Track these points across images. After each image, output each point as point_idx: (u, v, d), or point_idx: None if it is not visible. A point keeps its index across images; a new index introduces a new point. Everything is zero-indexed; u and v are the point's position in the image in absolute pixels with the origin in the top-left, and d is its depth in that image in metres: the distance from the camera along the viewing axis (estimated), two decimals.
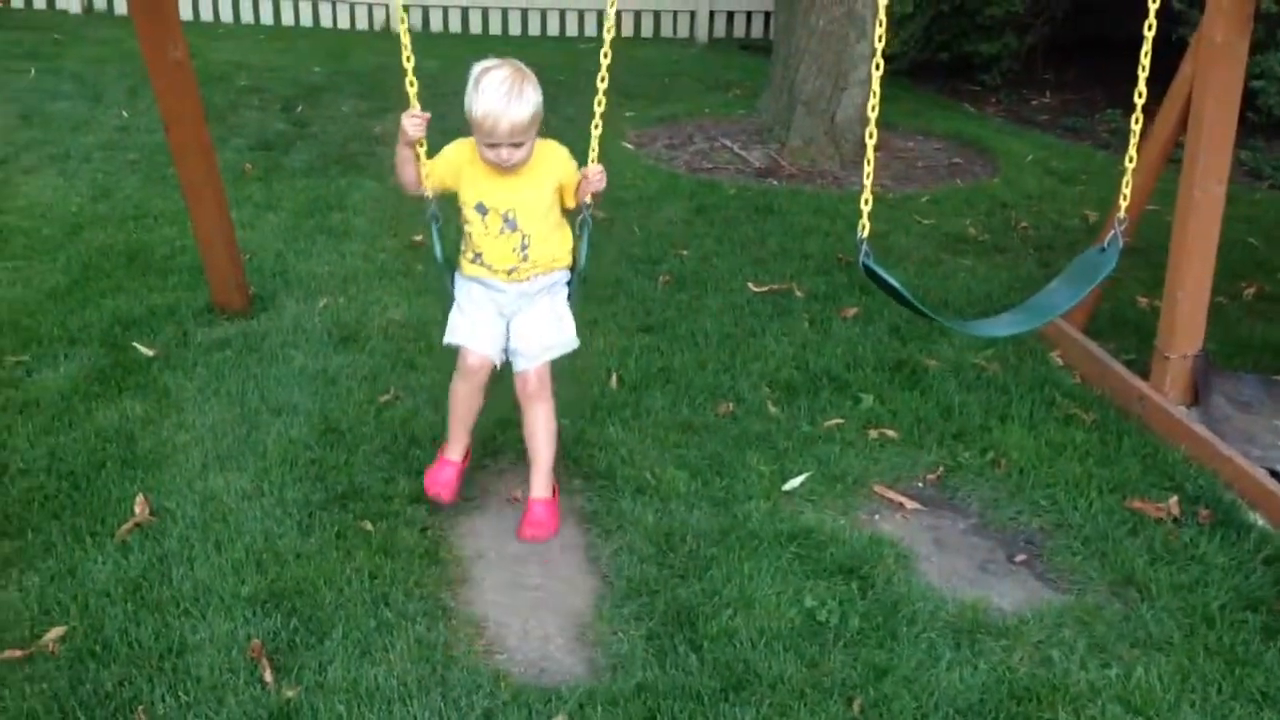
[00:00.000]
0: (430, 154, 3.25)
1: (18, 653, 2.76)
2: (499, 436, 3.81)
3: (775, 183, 7.05)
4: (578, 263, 3.35)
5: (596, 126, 3.29)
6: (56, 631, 2.83)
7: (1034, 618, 3.06)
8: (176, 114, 4.27)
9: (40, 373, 4.12)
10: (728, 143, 7.80)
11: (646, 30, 11.93)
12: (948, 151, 7.97)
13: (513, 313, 3.32)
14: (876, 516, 3.55)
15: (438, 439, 3.71)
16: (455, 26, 11.83)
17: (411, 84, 3.19)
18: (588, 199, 3.27)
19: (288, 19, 11.72)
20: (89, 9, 11.50)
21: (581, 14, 11.86)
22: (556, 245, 3.31)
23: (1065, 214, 6.59)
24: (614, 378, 4.24)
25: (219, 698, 2.66)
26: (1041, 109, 9.51)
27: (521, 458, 3.68)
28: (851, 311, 4.94)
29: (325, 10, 11.72)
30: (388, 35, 11.41)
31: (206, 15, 11.59)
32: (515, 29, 11.87)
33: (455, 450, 3.44)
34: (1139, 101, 3.34)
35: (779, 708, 2.70)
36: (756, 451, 3.81)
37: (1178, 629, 3.03)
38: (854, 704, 2.72)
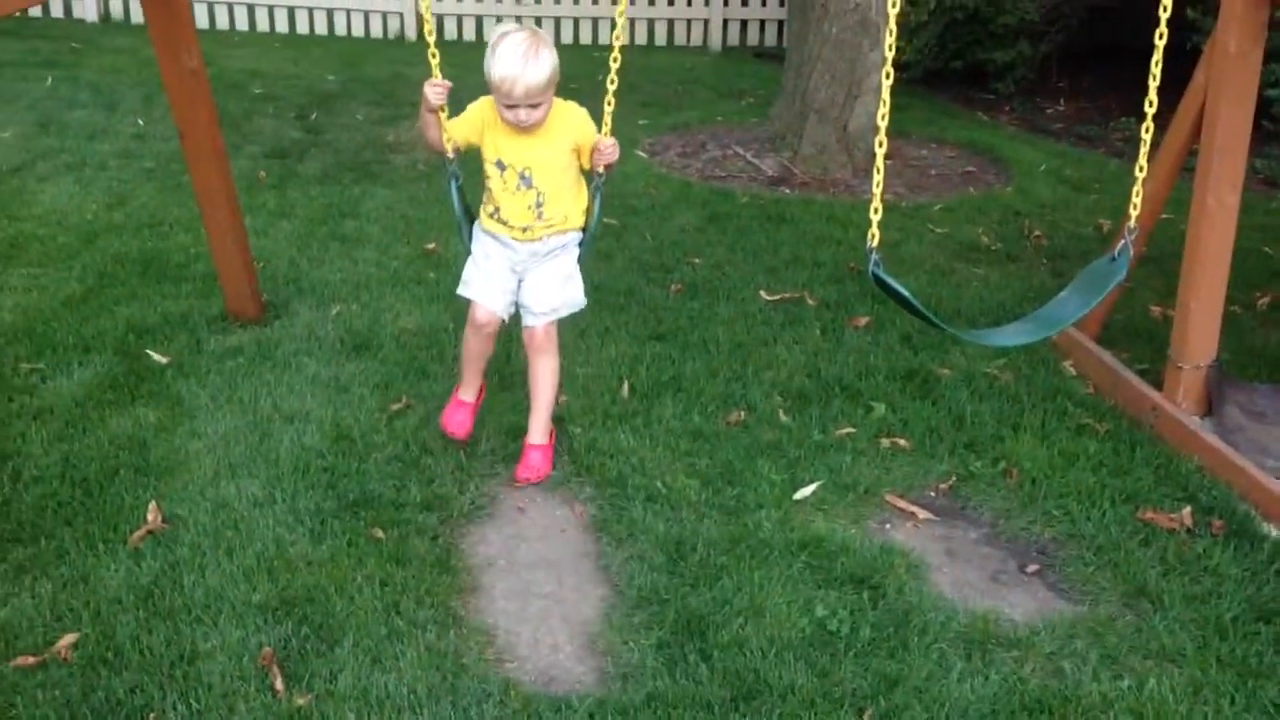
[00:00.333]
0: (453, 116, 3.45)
1: (30, 659, 2.78)
2: (510, 445, 3.81)
3: (788, 191, 7.05)
4: (590, 224, 3.52)
5: (609, 104, 3.41)
6: (69, 638, 2.84)
7: (1046, 628, 3.05)
8: (191, 122, 4.29)
9: (55, 380, 4.14)
10: (740, 151, 7.80)
11: (660, 38, 11.96)
12: (961, 160, 7.96)
13: (525, 270, 3.50)
14: (888, 526, 3.54)
15: (449, 447, 3.73)
16: (470, 35, 11.87)
17: (434, 55, 3.40)
18: (600, 169, 3.44)
19: (302, 27, 11.78)
20: (105, 18, 11.58)
21: (595, 21, 11.90)
22: (570, 204, 3.47)
23: (1079, 223, 6.57)
24: (625, 386, 4.25)
25: (230, 705, 2.67)
26: (1055, 117, 9.48)
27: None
28: (863, 320, 4.93)
29: (339, 18, 11.78)
30: (401, 44, 11.47)
31: (222, 23, 11.67)
32: None
33: (469, 391, 3.72)
34: (1149, 111, 3.33)
35: (789, 718, 2.70)
36: (767, 460, 3.80)
37: (1190, 640, 3.01)
38: (864, 714, 2.72)
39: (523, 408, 3.92)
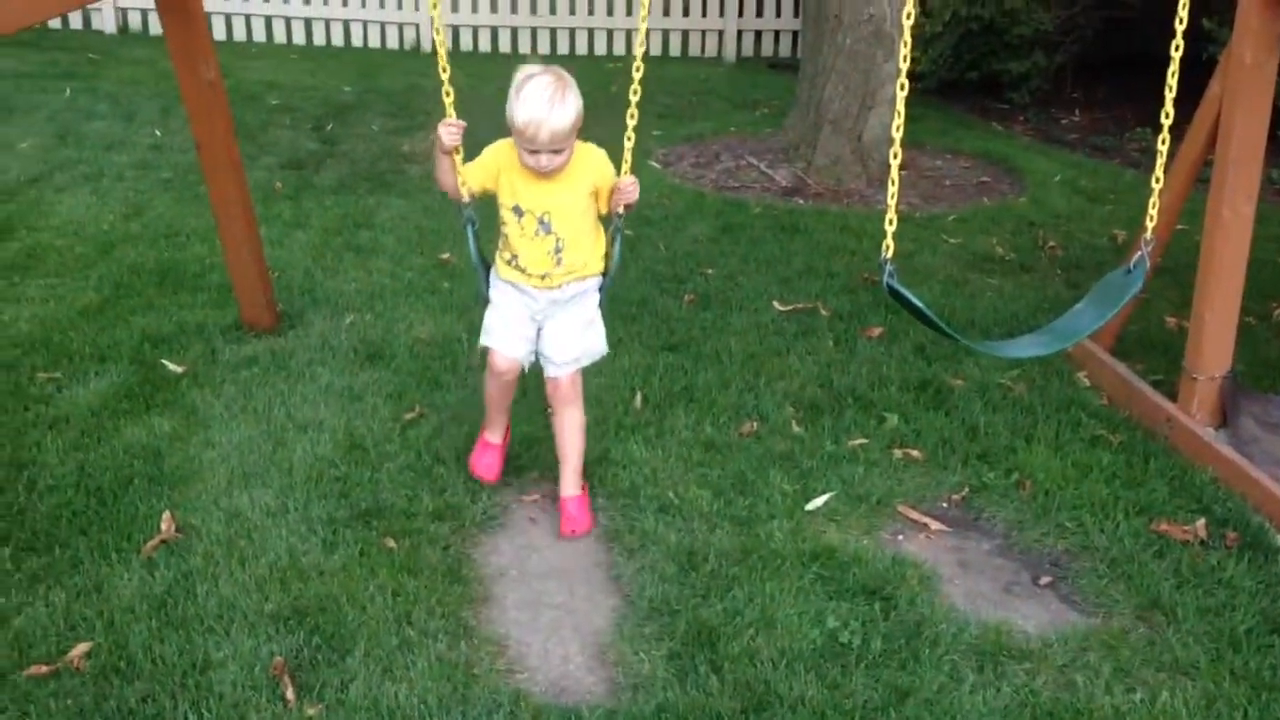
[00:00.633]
0: (467, 159, 3.37)
1: (44, 668, 2.79)
2: (523, 455, 3.82)
3: (801, 201, 7.05)
4: (609, 269, 3.43)
5: (629, 139, 3.36)
6: (82, 647, 2.86)
7: (1058, 641, 3.04)
8: (208, 134, 4.32)
9: (70, 389, 4.17)
10: (754, 161, 7.81)
11: (675, 49, 11.97)
12: (975, 170, 7.95)
13: (545, 318, 3.41)
14: (900, 537, 3.53)
15: (462, 456, 3.74)
16: (485, 46, 11.92)
17: (448, 94, 3.30)
18: (620, 210, 3.35)
19: (319, 39, 11.84)
20: (124, 29, 11.65)
21: (610, 33, 11.92)
22: (589, 249, 3.37)
23: (1094, 233, 6.56)
24: (638, 396, 4.25)
25: (241, 715, 2.68)
26: (1070, 128, 9.46)
27: (544, 475, 3.71)
28: (877, 331, 4.93)
29: (356, 30, 11.83)
30: (417, 55, 11.51)
31: (239, 35, 11.73)
32: (545, 48, 11.94)
33: (495, 433, 3.66)
34: (1166, 122, 3.33)
35: None
36: (780, 471, 3.80)
37: (1204, 653, 2.99)
38: None
39: (536, 417, 3.94)
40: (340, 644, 2.92)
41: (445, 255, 5.66)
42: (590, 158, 3.31)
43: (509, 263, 3.36)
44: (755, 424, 4.12)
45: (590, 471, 3.72)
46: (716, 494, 3.66)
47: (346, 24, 11.83)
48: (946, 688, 2.85)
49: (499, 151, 3.31)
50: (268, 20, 11.79)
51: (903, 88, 3.10)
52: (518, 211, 3.27)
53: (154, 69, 9.46)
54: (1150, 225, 3.44)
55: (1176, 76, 3.33)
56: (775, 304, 5.23)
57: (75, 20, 11.60)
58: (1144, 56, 6.90)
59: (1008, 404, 4.30)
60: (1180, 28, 3.25)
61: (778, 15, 12.12)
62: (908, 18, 3.05)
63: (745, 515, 3.56)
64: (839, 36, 7.30)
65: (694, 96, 9.85)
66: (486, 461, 3.63)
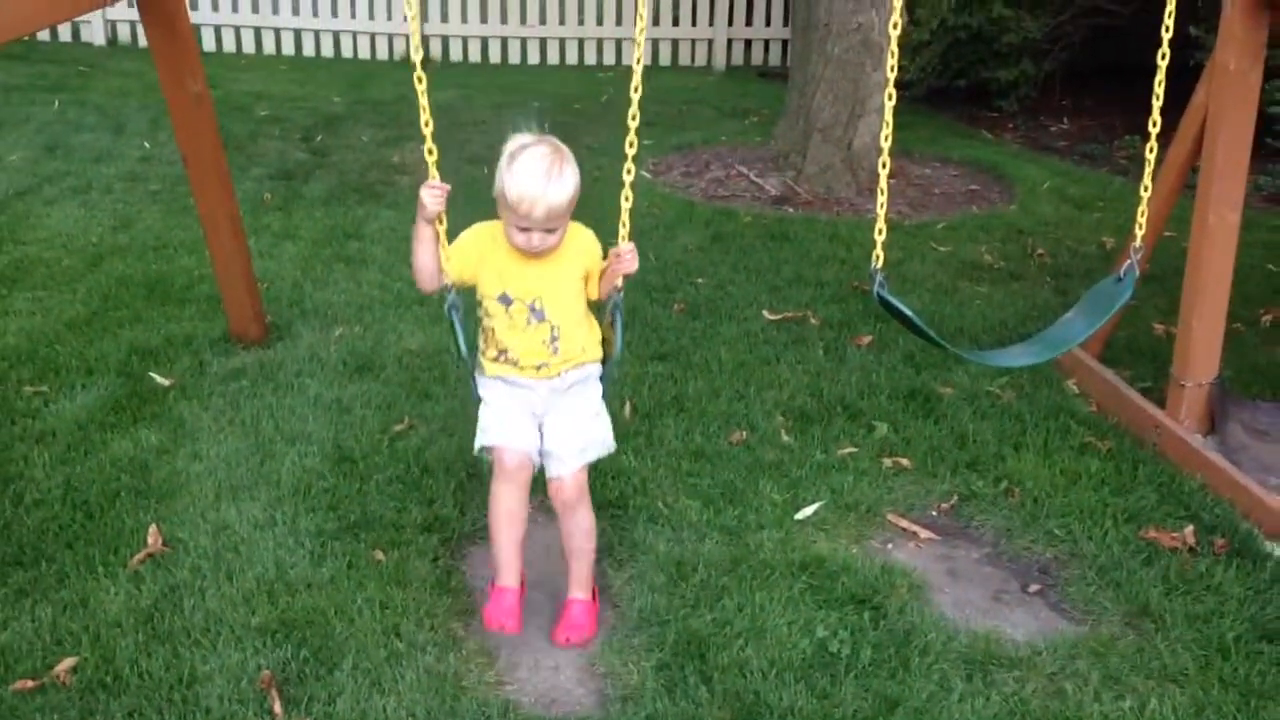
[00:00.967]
0: (451, 227, 2.97)
1: (29, 683, 2.78)
2: None
3: (791, 210, 7.06)
4: (610, 353, 3.07)
5: (627, 199, 3.02)
6: (68, 662, 2.84)
7: (1047, 649, 3.03)
8: (195, 147, 4.32)
9: (58, 402, 4.15)
10: (744, 170, 7.82)
11: (664, 59, 12.00)
12: (964, 178, 7.96)
13: (544, 411, 3.01)
14: (889, 546, 3.53)
15: (451, 468, 3.72)
16: (475, 56, 11.94)
17: (430, 152, 2.90)
18: (618, 282, 2.99)
19: (308, 50, 11.85)
20: (113, 41, 11.66)
21: (600, 43, 11.95)
22: (585, 336, 3.02)
23: (1082, 241, 6.57)
24: (627, 406, 4.25)
25: None
26: (1059, 135, 9.49)
27: (535, 483, 3.69)
28: (866, 339, 4.93)
29: (345, 41, 11.85)
30: (407, 66, 11.49)
31: (229, 46, 11.74)
32: (534, 58, 11.96)
33: (509, 574, 3.00)
34: (1153, 130, 3.34)
35: None
36: (769, 480, 3.80)
37: (1193, 660, 2.99)
38: None
39: None
40: (328, 657, 2.91)
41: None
42: (581, 238, 2.99)
43: (496, 359, 2.97)
44: (745, 433, 4.11)
45: None
46: (706, 503, 3.65)
47: (336, 35, 11.84)
48: (936, 697, 2.84)
49: (479, 237, 2.96)
50: (257, 31, 11.80)
51: (891, 97, 3.10)
52: (505, 300, 2.91)
53: (143, 81, 9.45)
54: (1139, 233, 3.45)
55: (1163, 85, 3.35)
56: (765, 313, 5.24)
57: (64, 32, 11.60)
58: (1132, 64, 6.92)
59: (996, 412, 4.31)
60: (1167, 36, 3.26)
61: (767, 24, 12.16)
62: (895, 27, 3.05)
63: (734, 525, 3.55)
64: (828, 45, 7.32)
65: (684, 105, 9.87)
66: (504, 606, 2.96)
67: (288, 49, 11.85)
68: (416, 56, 2.94)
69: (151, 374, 4.40)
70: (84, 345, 4.61)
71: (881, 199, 3.13)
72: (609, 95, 9.89)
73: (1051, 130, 9.64)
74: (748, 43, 12.30)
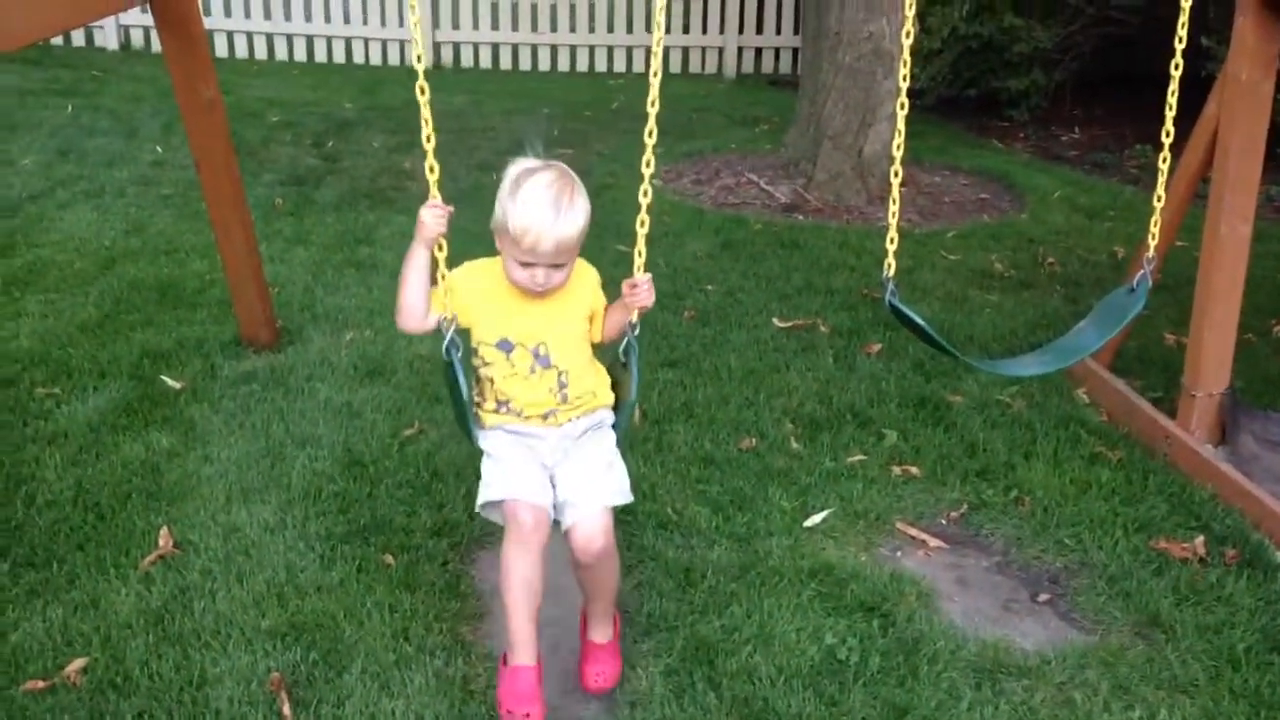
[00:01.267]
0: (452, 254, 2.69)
1: (40, 684, 2.78)
2: None
3: (801, 218, 7.06)
4: (625, 397, 2.79)
5: (643, 224, 2.72)
6: (78, 663, 2.85)
7: (1057, 658, 3.03)
8: (207, 152, 4.33)
9: (70, 405, 4.17)
10: (754, 177, 7.82)
11: (675, 66, 12.03)
12: (975, 187, 7.96)
13: (555, 462, 2.71)
14: (899, 554, 3.53)
15: (461, 473, 3.72)
16: (486, 63, 11.97)
17: (432, 169, 2.62)
18: (633, 318, 2.72)
19: (320, 56, 11.90)
20: (126, 46, 11.71)
21: (610, 50, 11.99)
22: (594, 378, 2.77)
23: (1093, 250, 6.56)
24: (636, 412, 4.25)
25: None
26: (1070, 144, 9.49)
27: None
28: (876, 347, 4.93)
29: (357, 47, 11.89)
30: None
31: (241, 52, 11.79)
32: (545, 65, 11.99)
33: (525, 653, 2.60)
34: (1166, 141, 3.33)
35: None
36: (778, 487, 3.80)
37: (1203, 671, 2.99)
38: None
39: None
40: (337, 660, 2.91)
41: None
42: (587, 276, 2.74)
43: (497, 410, 2.71)
44: (754, 440, 4.12)
45: None
46: (715, 510, 3.65)
47: (348, 41, 11.89)
48: (944, 705, 2.84)
49: (470, 277, 2.68)
50: (269, 37, 11.86)
51: (902, 106, 3.10)
52: (505, 346, 2.64)
53: (156, 86, 9.49)
54: (1152, 243, 3.45)
55: (1176, 95, 3.34)
56: (775, 320, 5.24)
57: (78, 37, 11.66)
58: (1142, 74, 6.92)
59: (1007, 421, 4.30)
60: (1179, 46, 3.26)
61: (778, 32, 12.19)
62: (907, 35, 3.05)
63: (744, 531, 3.55)
64: (839, 54, 7.33)
65: (694, 113, 9.88)
66: (523, 689, 2.57)
67: (300, 55, 11.90)
68: (420, 66, 2.69)
69: (163, 377, 4.41)
70: (96, 348, 4.63)
71: (893, 207, 3.13)
72: (619, 102, 9.92)
73: (1062, 139, 9.64)
74: (758, 51, 12.32)
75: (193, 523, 3.48)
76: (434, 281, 2.66)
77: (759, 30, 12.20)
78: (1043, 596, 3.34)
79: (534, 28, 11.96)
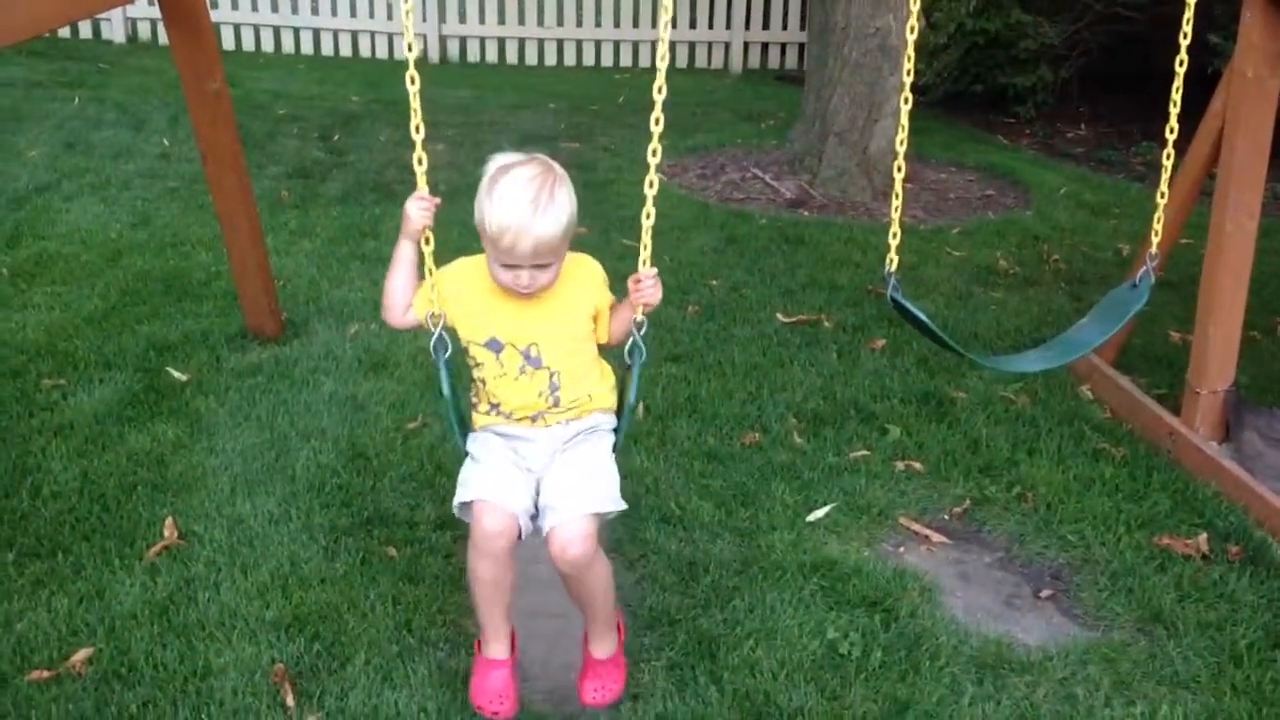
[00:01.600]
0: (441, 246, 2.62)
1: (45, 673, 2.80)
2: None
3: (806, 213, 7.06)
4: (625, 401, 2.65)
5: (648, 216, 2.59)
6: (83, 653, 2.87)
7: (1059, 654, 3.03)
8: (213, 145, 4.34)
9: (76, 396, 4.18)
10: (759, 173, 7.82)
11: (681, 61, 12.01)
12: (980, 183, 7.95)
13: (543, 466, 2.59)
14: (901, 549, 3.53)
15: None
16: (493, 57, 11.97)
17: (420, 161, 2.57)
18: (638, 316, 2.58)
19: (327, 49, 11.91)
20: (133, 39, 11.72)
21: (617, 45, 11.97)
22: (595, 382, 2.64)
23: (1098, 247, 6.56)
24: (640, 407, 4.25)
25: None
26: (1076, 141, 9.47)
27: None
28: (880, 343, 4.93)
29: (364, 40, 11.89)
30: (424, 65, 11.54)
31: (248, 45, 11.79)
32: (551, 59, 11.99)
33: (497, 646, 2.61)
34: (1170, 137, 3.33)
35: None
36: (782, 482, 3.80)
37: (1205, 667, 2.99)
38: None
39: None
40: (341, 651, 2.93)
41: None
42: (585, 271, 2.59)
43: (488, 412, 2.62)
44: (758, 435, 4.12)
45: None
46: (718, 505, 3.66)
47: (354, 34, 11.89)
48: (946, 700, 2.85)
49: (461, 271, 2.59)
50: (276, 30, 11.86)
51: (906, 101, 3.10)
52: (495, 346, 2.52)
53: (163, 78, 9.50)
54: (1155, 240, 3.45)
55: (1181, 91, 3.34)
56: (779, 315, 5.24)
57: (85, 29, 11.68)
58: (1149, 70, 6.90)
59: (1010, 417, 4.31)
60: (1184, 42, 3.25)
61: (784, 28, 12.16)
62: (912, 30, 3.05)
63: (747, 526, 3.56)
64: (845, 49, 7.31)
65: (699, 108, 9.87)
66: (494, 689, 2.58)
67: (307, 48, 11.91)
68: (410, 55, 2.65)
69: (169, 369, 4.42)
70: (102, 340, 4.64)
71: (896, 202, 3.13)
72: (626, 96, 9.92)
73: (1068, 136, 9.63)
74: (764, 46, 12.30)
75: (197, 514, 3.49)
76: (424, 277, 2.61)
77: (765, 25, 12.17)
78: (1045, 592, 3.34)
79: (540, 22, 11.95)
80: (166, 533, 3.38)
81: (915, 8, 2.99)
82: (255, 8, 11.72)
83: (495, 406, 2.59)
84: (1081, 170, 8.50)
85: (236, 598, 3.11)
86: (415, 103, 2.56)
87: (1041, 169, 8.34)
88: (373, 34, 11.86)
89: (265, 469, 3.76)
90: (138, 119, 8.47)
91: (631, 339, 2.59)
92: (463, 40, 11.94)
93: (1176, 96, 3.33)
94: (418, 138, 2.56)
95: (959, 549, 3.55)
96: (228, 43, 11.53)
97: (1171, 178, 3.43)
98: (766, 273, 5.83)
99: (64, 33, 11.35)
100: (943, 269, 6.04)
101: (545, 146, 7.48)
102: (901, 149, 3.10)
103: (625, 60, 11.98)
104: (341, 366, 4.52)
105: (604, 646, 2.72)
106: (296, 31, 11.88)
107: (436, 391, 2.68)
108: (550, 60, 12.00)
